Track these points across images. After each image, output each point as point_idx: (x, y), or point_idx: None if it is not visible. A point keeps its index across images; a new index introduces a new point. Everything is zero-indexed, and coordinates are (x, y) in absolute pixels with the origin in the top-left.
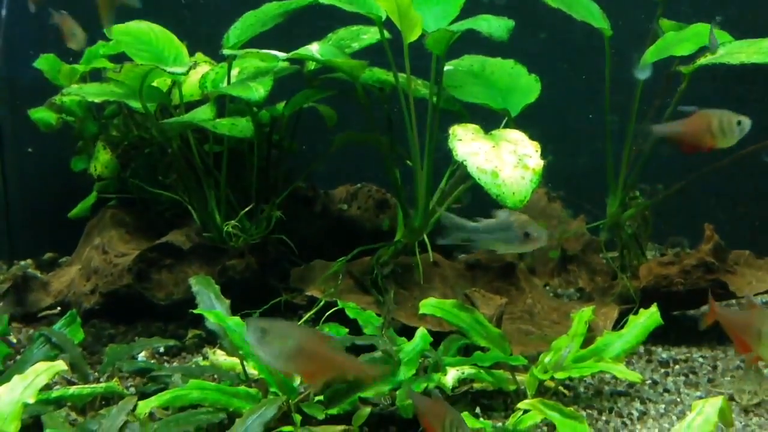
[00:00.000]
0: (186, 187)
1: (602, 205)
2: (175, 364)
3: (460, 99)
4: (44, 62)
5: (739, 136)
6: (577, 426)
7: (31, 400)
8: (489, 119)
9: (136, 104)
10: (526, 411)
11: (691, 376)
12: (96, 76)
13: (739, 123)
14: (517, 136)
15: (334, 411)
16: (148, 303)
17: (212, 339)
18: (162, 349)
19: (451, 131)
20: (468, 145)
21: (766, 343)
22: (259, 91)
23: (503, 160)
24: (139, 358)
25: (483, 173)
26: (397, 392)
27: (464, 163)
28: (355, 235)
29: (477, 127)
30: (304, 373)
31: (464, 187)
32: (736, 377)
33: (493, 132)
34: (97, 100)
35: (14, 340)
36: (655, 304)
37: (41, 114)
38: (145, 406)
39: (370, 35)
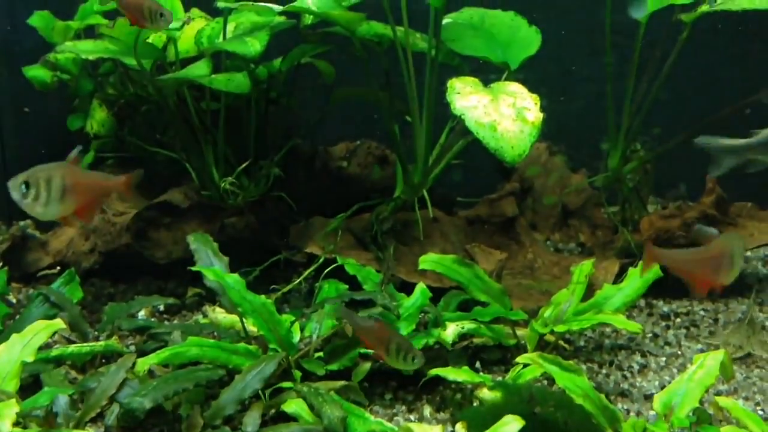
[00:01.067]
0: (183, 145)
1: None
2: (175, 322)
3: (459, 52)
4: (38, 19)
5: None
6: (575, 379)
7: (30, 359)
8: (488, 73)
9: (131, 61)
10: (525, 365)
11: (692, 329)
12: (90, 33)
13: None
14: (516, 88)
15: (334, 367)
16: (147, 262)
17: (212, 297)
18: (162, 308)
19: (449, 84)
20: (466, 98)
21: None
22: (255, 45)
23: (502, 114)
24: (139, 317)
25: (481, 127)
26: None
27: (462, 116)
28: (355, 192)
29: (476, 80)
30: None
31: (464, 141)
32: (726, 330)
33: (492, 85)
34: (91, 57)
35: (13, 300)
36: None
37: (36, 72)
38: (143, 364)
39: None
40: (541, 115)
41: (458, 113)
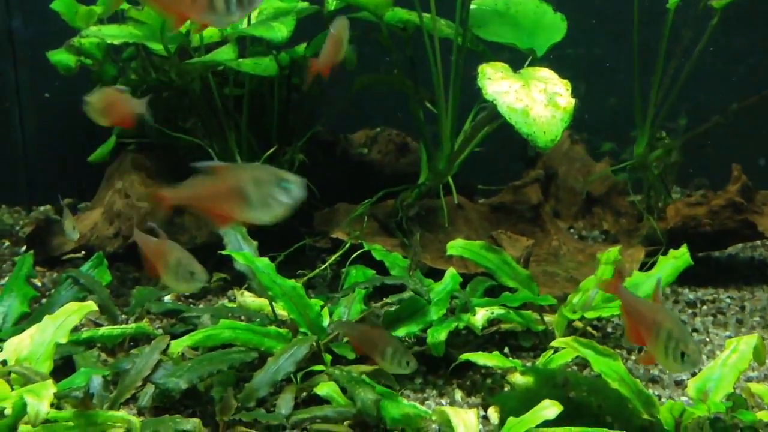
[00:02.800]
0: (207, 130)
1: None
2: (201, 306)
3: (485, 39)
4: (61, 4)
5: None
6: (611, 363)
7: (63, 340)
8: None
9: (156, 46)
10: (556, 350)
11: (719, 316)
12: (113, 18)
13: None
14: (546, 74)
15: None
16: None
17: (237, 281)
18: (187, 292)
19: (480, 70)
20: (497, 83)
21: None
22: (282, 30)
23: (534, 99)
24: (165, 300)
25: (513, 112)
26: (428, 331)
27: (494, 102)
28: (375, 179)
29: (506, 65)
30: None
31: (488, 128)
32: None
33: (522, 70)
34: (116, 42)
35: (38, 284)
36: (685, 244)
37: (60, 56)
38: (178, 345)
39: None
40: (572, 101)
41: (490, 98)
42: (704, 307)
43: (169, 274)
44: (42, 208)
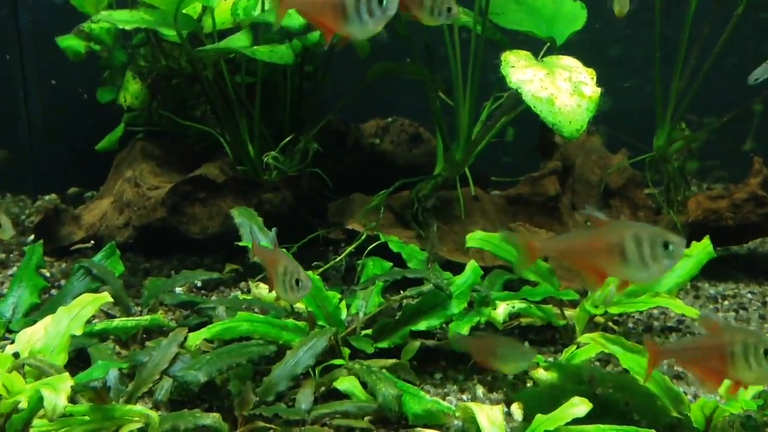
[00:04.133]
0: (219, 118)
1: (644, 139)
2: (213, 298)
3: (504, 27)
4: None
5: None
6: (639, 360)
7: (78, 332)
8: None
9: (168, 32)
10: (579, 345)
11: (741, 311)
12: (122, 3)
13: None
14: (571, 62)
15: (383, 345)
16: (182, 237)
17: (249, 273)
18: (199, 284)
19: (503, 58)
20: (522, 71)
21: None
22: (298, 17)
23: (559, 88)
24: (177, 292)
25: (538, 101)
26: (449, 325)
27: (519, 90)
28: (388, 169)
29: (529, 53)
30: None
31: (506, 119)
32: None
33: (545, 59)
34: (128, 27)
35: (47, 275)
36: (707, 237)
37: (70, 42)
38: (195, 338)
39: None
40: (598, 90)
41: (514, 87)
42: (726, 303)
43: (278, 283)
44: (48, 197)
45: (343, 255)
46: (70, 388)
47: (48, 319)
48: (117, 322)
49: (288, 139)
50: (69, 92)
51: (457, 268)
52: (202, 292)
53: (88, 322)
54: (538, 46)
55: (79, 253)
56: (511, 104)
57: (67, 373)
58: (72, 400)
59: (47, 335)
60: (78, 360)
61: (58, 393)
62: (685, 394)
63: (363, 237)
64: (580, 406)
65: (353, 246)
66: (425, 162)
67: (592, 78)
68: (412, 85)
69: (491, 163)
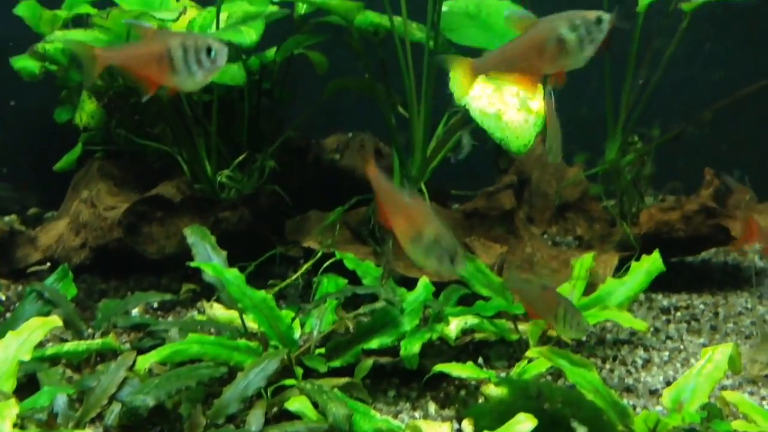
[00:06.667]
0: (175, 137)
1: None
2: (169, 318)
3: (457, 42)
4: (24, 9)
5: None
6: (586, 374)
7: (27, 357)
8: None
9: None
10: (530, 360)
11: (693, 323)
12: (79, 22)
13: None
14: None
15: (336, 363)
16: (139, 257)
17: (207, 293)
18: (155, 305)
19: (451, 74)
20: None
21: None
22: (250, 35)
23: (506, 103)
24: (133, 314)
25: (486, 117)
26: (401, 343)
27: (467, 106)
28: (348, 185)
29: None
30: None
31: (460, 134)
32: (750, 348)
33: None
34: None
35: (2, 297)
36: (657, 250)
37: (24, 62)
38: (144, 361)
39: None
40: (544, 105)
41: (462, 103)
42: (678, 314)
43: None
44: (7, 218)
45: (298, 273)
46: (15, 414)
47: None
48: (68, 346)
49: (242, 156)
50: (28, 112)
51: (414, 284)
52: (159, 312)
53: (41, 345)
54: None
55: (35, 276)
56: (466, 119)
57: (13, 399)
58: (21, 426)
59: None
60: (30, 385)
61: (3, 419)
62: (634, 407)
63: (318, 255)
64: (525, 423)
65: (309, 264)
66: (386, 177)
67: (540, 93)
68: (373, 100)
69: (456, 175)
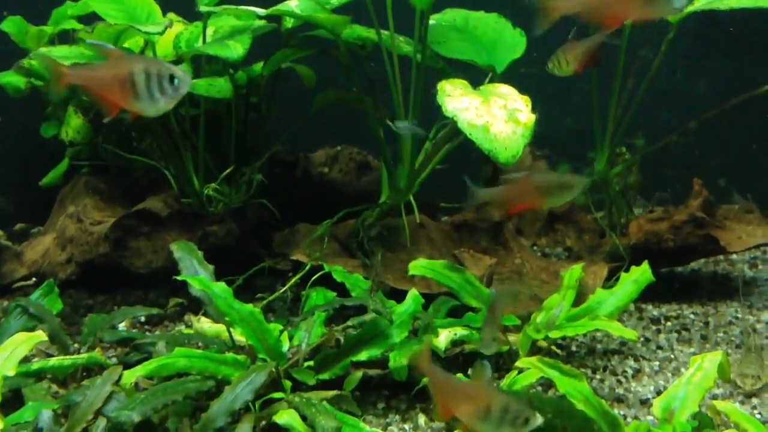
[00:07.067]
0: (162, 151)
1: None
2: (156, 332)
3: (445, 55)
4: (10, 24)
5: None
6: (576, 384)
7: (11, 373)
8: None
9: None
10: (520, 371)
11: (683, 332)
12: (64, 38)
13: None
14: (506, 90)
15: (325, 376)
16: (126, 272)
17: (194, 307)
18: (143, 319)
19: (439, 87)
20: (457, 100)
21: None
22: (237, 49)
23: (494, 115)
24: (120, 328)
25: (474, 129)
26: (390, 355)
27: (454, 118)
28: (337, 198)
29: (465, 82)
30: None
31: (450, 145)
32: (737, 362)
33: (481, 87)
34: (67, 63)
35: None
36: (646, 261)
37: (9, 78)
38: (130, 376)
39: None
40: (533, 117)
41: (450, 115)
42: (668, 324)
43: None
44: None
45: (287, 286)
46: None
47: None
48: (53, 361)
49: (229, 170)
50: (14, 127)
51: (404, 296)
52: (146, 327)
53: (27, 360)
54: (486, 73)
55: (20, 291)
56: (454, 131)
57: None
58: None
59: None
60: (15, 400)
61: None
62: (625, 416)
63: (307, 268)
64: None
65: (297, 277)
66: (374, 190)
67: (528, 105)
68: (361, 113)
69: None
